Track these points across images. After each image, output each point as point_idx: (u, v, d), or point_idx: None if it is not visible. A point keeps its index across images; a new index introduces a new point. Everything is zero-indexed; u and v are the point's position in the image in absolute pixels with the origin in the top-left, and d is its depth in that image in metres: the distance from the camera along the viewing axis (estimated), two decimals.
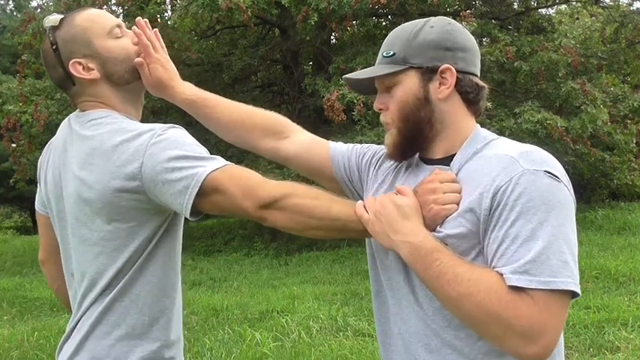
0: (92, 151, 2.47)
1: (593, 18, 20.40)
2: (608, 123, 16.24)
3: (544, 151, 2.15)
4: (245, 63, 20.44)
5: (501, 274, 1.92)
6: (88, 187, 2.46)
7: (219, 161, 2.39)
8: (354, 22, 17.83)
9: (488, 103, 13.57)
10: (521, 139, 11.43)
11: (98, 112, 2.60)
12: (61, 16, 2.60)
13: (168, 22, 20.30)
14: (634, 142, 19.63)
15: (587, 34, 18.49)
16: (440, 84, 2.21)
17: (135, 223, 2.49)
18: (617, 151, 19.41)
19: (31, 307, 11.74)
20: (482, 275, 1.94)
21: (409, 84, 2.22)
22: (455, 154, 2.22)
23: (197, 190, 2.29)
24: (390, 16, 21.32)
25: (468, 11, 16.12)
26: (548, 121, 14.50)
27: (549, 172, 2.02)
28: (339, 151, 2.69)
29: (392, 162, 2.44)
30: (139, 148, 2.36)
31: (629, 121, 19.05)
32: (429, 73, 2.20)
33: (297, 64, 19.65)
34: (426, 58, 2.20)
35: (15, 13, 37.97)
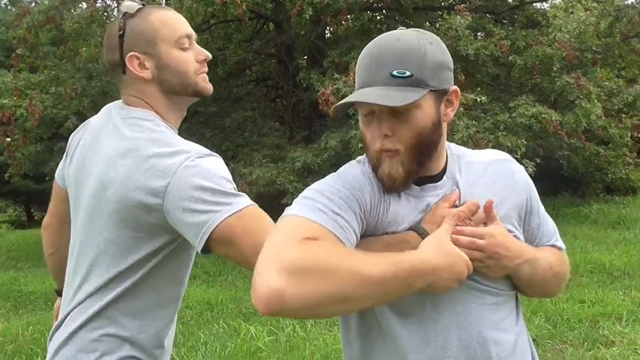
0: (125, 153, 2.46)
1: (588, 12, 20.37)
2: (603, 117, 16.25)
3: None
4: (240, 57, 20.43)
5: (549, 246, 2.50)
6: (111, 185, 2.46)
7: (242, 202, 2.34)
8: (348, 16, 17.80)
9: (483, 97, 13.59)
10: (516, 133, 11.52)
11: (143, 112, 2.60)
12: (139, 6, 2.60)
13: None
14: (629, 136, 19.65)
15: (582, 28, 18.48)
16: (446, 106, 2.19)
17: (144, 235, 2.48)
18: (611, 145, 19.43)
19: (25, 301, 11.73)
20: (552, 252, 2.49)
21: (427, 108, 2.10)
22: (437, 173, 2.25)
23: (208, 235, 2.28)
24: (384, 10, 21.32)
25: (463, 5, 16.09)
26: (542, 115, 14.50)
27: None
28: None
29: (374, 192, 2.20)
30: (170, 167, 2.35)
31: (623, 115, 19.07)
32: (440, 95, 2.15)
33: (291, 58, 19.65)
34: (440, 80, 2.12)
35: (10, 7, 37.86)
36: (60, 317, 2.71)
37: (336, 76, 14.04)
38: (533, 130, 14.93)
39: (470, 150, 2.43)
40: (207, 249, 2.33)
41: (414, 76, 2.03)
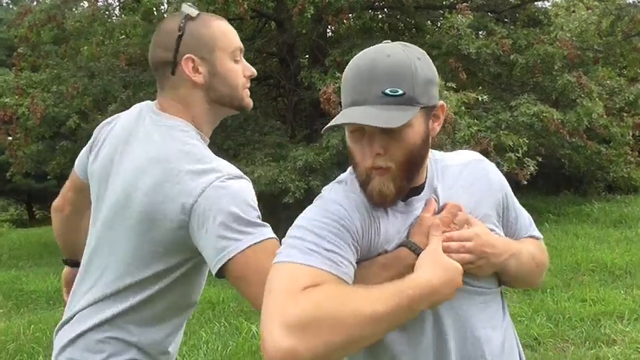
0: (155, 162, 2.45)
1: (590, 11, 20.39)
2: (604, 116, 16.22)
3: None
4: None
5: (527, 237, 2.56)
6: (136, 195, 2.46)
7: (263, 233, 2.34)
8: (350, 14, 17.77)
9: (485, 96, 13.59)
10: (517, 132, 11.52)
11: (177, 120, 2.59)
12: (199, 12, 2.63)
13: (165, 15, 20.28)
14: (630, 134, 19.64)
15: (584, 27, 18.49)
16: (433, 121, 2.20)
17: (163, 250, 2.49)
18: (613, 144, 19.41)
19: (27, 300, 11.73)
20: (532, 242, 2.55)
21: (418, 126, 2.10)
22: (420, 184, 2.27)
23: (224, 262, 2.29)
24: (386, 9, 21.32)
25: (465, 4, 16.07)
26: (544, 114, 14.48)
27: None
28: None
29: (364, 216, 2.18)
30: (199, 185, 2.34)
31: (625, 114, 19.05)
32: (429, 111, 2.15)
33: (293, 57, 19.61)
34: (429, 96, 2.11)
35: (11, 6, 37.88)
36: (68, 313, 2.73)
37: (338, 74, 14.00)
38: (535, 128, 14.91)
39: (446, 154, 2.46)
40: (221, 273, 2.34)
41: (407, 95, 2.02)
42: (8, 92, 17.35)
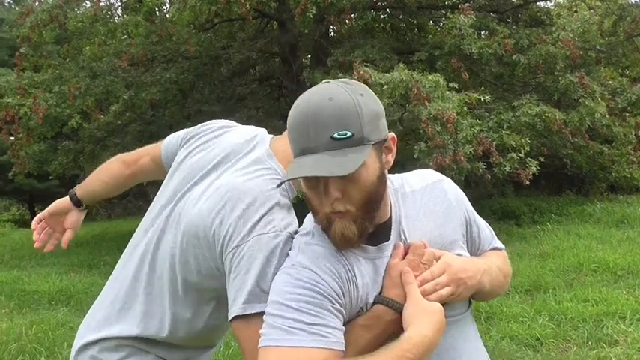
0: (227, 199, 2.42)
1: (592, 11, 20.36)
2: (606, 116, 16.22)
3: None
4: (243, 56, 20.40)
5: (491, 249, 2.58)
6: (203, 222, 2.43)
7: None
8: (352, 15, 17.80)
9: (487, 96, 13.60)
10: (519, 132, 11.52)
11: (280, 170, 2.55)
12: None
13: (167, 16, 20.33)
14: (632, 134, 19.65)
15: (586, 27, 18.44)
16: (385, 154, 2.14)
17: (201, 282, 2.52)
18: (615, 144, 19.41)
19: (29, 300, 11.73)
20: (496, 254, 2.58)
21: (372, 164, 2.04)
22: (387, 220, 2.23)
23: (233, 316, 2.28)
24: (388, 9, 21.33)
25: (467, 4, 16.11)
26: (546, 114, 14.49)
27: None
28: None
29: (340, 274, 2.12)
30: (250, 233, 2.31)
31: (627, 114, 19.05)
32: (380, 146, 2.09)
33: (295, 57, 19.63)
34: (379, 131, 2.06)
35: (13, 6, 37.92)
36: (98, 313, 2.75)
37: (340, 75, 14.00)
38: (537, 129, 14.91)
39: (404, 178, 2.43)
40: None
41: (356, 135, 1.97)
42: (10, 92, 17.34)
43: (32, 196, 39.99)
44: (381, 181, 2.09)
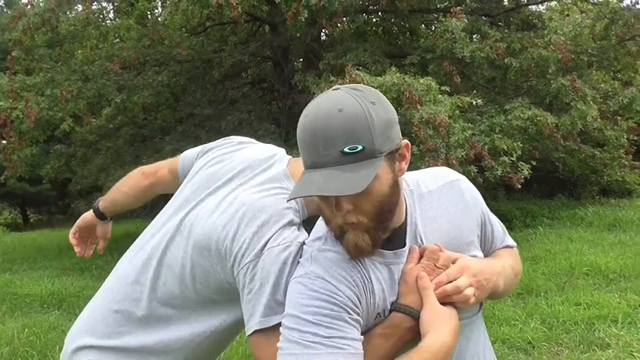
0: (242, 214, 2.43)
1: (584, 14, 20.41)
2: (598, 119, 16.24)
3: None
4: (235, 60, 20.40)
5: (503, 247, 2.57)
6: (216, 235, 2.44)
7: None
8: (344, 18, 17.79)
9: (479, 100, 13.61)
10: (511, 136, 11.52)
11: (282, 187, 2.56)
12: None
13: (159, 19, 20.32)
14: (624, 138, 19.68)
15: (578, 31, 18.46)
16: (399, 161, 2.08)
17: (213, 294, 2.53)
18: (607, 148, 19.46)
19: (21, 303, 11.70)
20: (508, 253, 2.55)
21: (384, 175, 1.99)
22: (402, 224, 2.22)
23: (251, 332, 2.28)
24: (380, 13, 21.32)
25: (459, 8, 16.13)
26: (538, 118, 14.49)
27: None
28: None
29: (356, 283, 2.10)
30: (263, 249, 2.32)
31: (619, 118, 19.09)
32: (393, 155, 2.03)
33: (287, 60, 19.62)
34: (391, 141, 2.00)
35: (5, 10, 37.85)
36: (95, 313, 2.75)
37: (332, 78, 14.00)
38: (529, 132, 14.93)
39: (417, 176, 2.39)
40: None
41: (367, 149, 1.91)
42: (2, 96, 17.30)
43: (24, 200, 39.90)
44: (394, 189, 2.05)
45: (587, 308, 8.65)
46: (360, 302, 2.07)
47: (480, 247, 2.39)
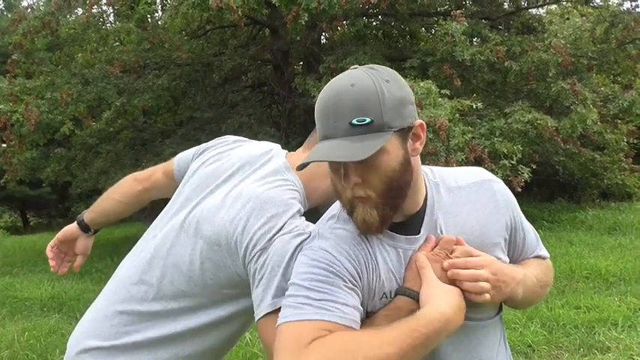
0: (250, 207, 2.47)
1: (584, 18, 20.37)
2: (598, 123, 16.24)
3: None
4: (235, 63, 20.43)
5: (534, 257, 2.51)
6: (225, 230, 2.47)
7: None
8: (344, 21, 17.80)
9: (479, 103, 13.59)
10: (511, 139, 11.49)
11: (298, 183, 2.62)
12: None
13: (159, 22, 20.32)
14: (624, 141, 19.68)
15: (578, 34, 18.45)
16: (413, 141, 2.12)
17: (222, 287, 2.55)
18: (607, 151, 19.46)
19: (21, 307, 11.70)
20: (538, 264, 2.49)
21: (394, 150, 2.02)
22: (419, 210, 2.22)
23: (265, 312, 2.30)
24: (380, 16, 21.33)
25: (459, 11, 16.09)
26: (538, 121, 14.48)
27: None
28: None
29: (358, 256, 2.14)
30: (275, 236, 2.37)
31: (619, 121, 19.09)
32: (405, 133, 2.07)
33: (287, 64, 19.63)
34: (403, 118, 2.04)
35: (5, 13, 37.84)
36: (103, 308, 2.74)
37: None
38: (529, 135, 14.90)
39: (448, 171, 2.40)
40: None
41: (375, 122, 1.97)
42: (2, 99, 17.29)
43: (24, 203, 39.97)
44: (406, 168, 2.07)
45: (587, 311, 8.65)
46: (359, 276, 2.10)
47: (507, 252, 2.36)
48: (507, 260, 2.32)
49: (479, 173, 2.41)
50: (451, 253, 2.13)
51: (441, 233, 2.19)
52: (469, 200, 2.28)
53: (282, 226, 2.37)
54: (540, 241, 2.55)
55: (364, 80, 2.01)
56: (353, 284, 2.06)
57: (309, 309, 1.97)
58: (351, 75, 2.06)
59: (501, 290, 2.13)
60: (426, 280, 2.05)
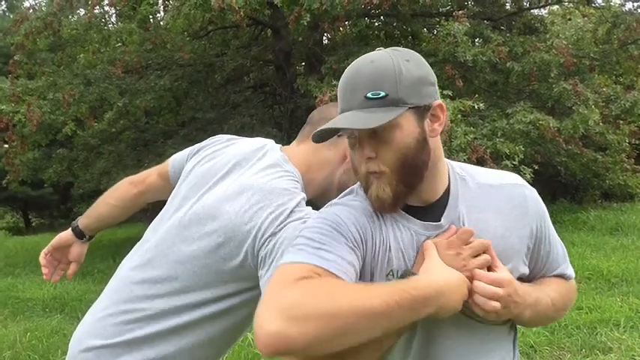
0: (256, 199, 2.50)
1: (586, 19, 20.37)
2: (600, 123, 16.22)
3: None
4: (237, 64, 20.41)
5: (556, 276, 2.43)
6: (231, 222, 2.49)
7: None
8: (346, 22, 17.81)
9: (481, 104, 13.57)
10: (513, 140, 11.47)
11: (297, 175, 2.66)
12: None
13: (161, 23, 20.31)
14: (626, 142, 19.67)
15: (580, 35, 18.45)
16: (431, 121, 2.12)
17: (227, 276, 2.55)
18: (609, 152, 19.46)
19: (23, 307, 11.71)
20: (558, 285, 2.40)
21: (409, 127, 2.04)
22: (440, 198, 2.21)
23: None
24: (382, 17, 21.31)
25: (461, 11, 16.07)
26: (540, 122, 14.45)
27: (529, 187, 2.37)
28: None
29: (365, 225, 2.15)
30: (285, 221, 2.40)
31: (621, 122, 19.08)
32: (423, 111, 2.08)
33: (289, 64, 19.63)
34: (421, 96, 2.06)
35: (7, 14, 37.85)
36: (105, 307, 2.74)
37: (334, 82, 13.96)
38: (531, 136, 14.89)
39: (479, 169, 2.37)
40: None
41: (390, 96, 2.00)
42: (4, 100, 17.29)
43: (26, 204, 39.91)
44: (422, 146, 2.08)
45: (589, 312, 8.64)
46: (363, 243, 2.10)
47: (529, 263, 2.30)
48: (527, 272, 2.28)
49: (513, 177, 2.37)
50: (464, 244, 2.09)
51: (463, 225, 2.17)
52: (497, 200, 2.24)
53: (291, 212, 2.41)
54: (567, 259, 2.50)
55: (383, 57, 2.07)
56: (355, 246, 2.07)
57: (304, 254, 1.99)
58: (374, 54, 2.12)
59: (510, 311, 2.08)
60: (428, 256, 2.05)
